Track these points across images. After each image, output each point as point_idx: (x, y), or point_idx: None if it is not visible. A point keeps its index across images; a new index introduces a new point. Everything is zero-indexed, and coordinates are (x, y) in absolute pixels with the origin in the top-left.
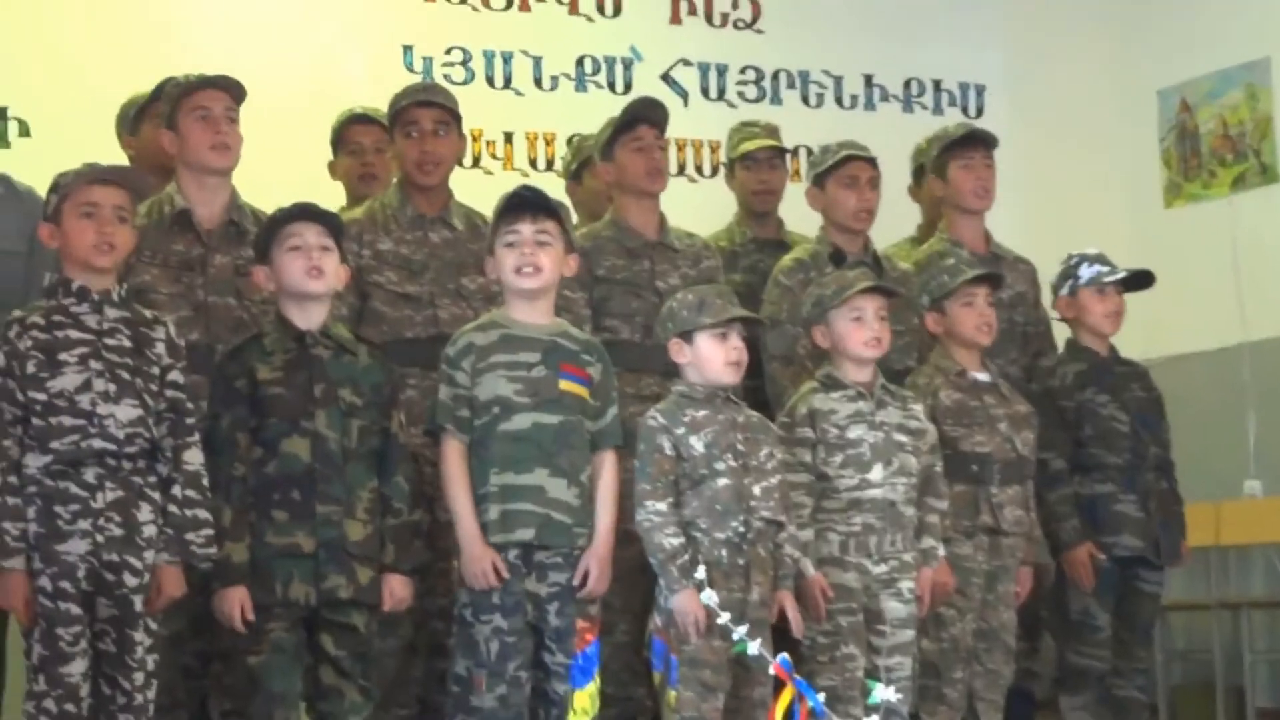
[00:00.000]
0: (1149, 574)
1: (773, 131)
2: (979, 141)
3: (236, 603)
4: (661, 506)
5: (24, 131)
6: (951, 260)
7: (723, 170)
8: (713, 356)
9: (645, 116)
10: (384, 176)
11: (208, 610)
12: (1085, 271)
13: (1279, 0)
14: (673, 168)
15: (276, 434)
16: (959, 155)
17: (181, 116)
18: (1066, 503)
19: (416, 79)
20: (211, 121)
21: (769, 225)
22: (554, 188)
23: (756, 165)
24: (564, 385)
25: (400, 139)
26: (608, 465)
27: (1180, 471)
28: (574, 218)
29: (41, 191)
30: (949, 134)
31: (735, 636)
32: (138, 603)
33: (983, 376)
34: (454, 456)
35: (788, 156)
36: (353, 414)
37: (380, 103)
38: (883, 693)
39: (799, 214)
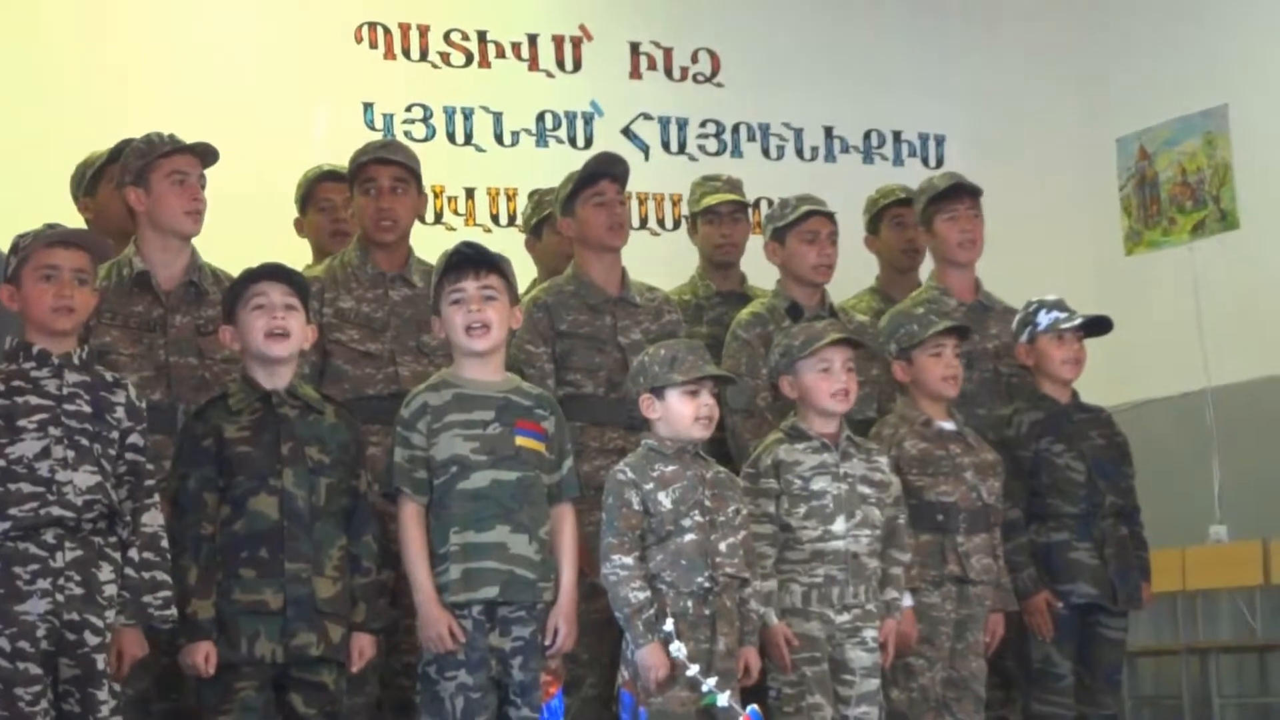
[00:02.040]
0: (1110, 620)
1: (734, 185)
2: (964, 192)
3: (203, 654)
4: (628, 560)
5: None
6: (922, 310)
7: (684, 223)
8: (683, 413)
9: (606, 172)
10: (355, 234)
11: (174, 670)
12: (1043, 318)
13: (1236, 47)
14: (634, 220)
15: (244, 492)
16: (944, 208)
17: (155, 177)
18: (1023, 552)
19: (377, 136)
20: (188, 187)
21: (732, 278)
22: (515, 243)
23: (719, 219)
24: (520, 441)
25: (359, 196)
26: (566, 518)
27: (1145, 517)
28: (535, 272)
29: None
30: (934, 186)
31: (704, 688)
32: (100, 661)
33: (948, 425)
34: (411, 519)
35: (749, 210)
36: (320, 472)
37: (341, 160)
38: None
39: (759, 267)
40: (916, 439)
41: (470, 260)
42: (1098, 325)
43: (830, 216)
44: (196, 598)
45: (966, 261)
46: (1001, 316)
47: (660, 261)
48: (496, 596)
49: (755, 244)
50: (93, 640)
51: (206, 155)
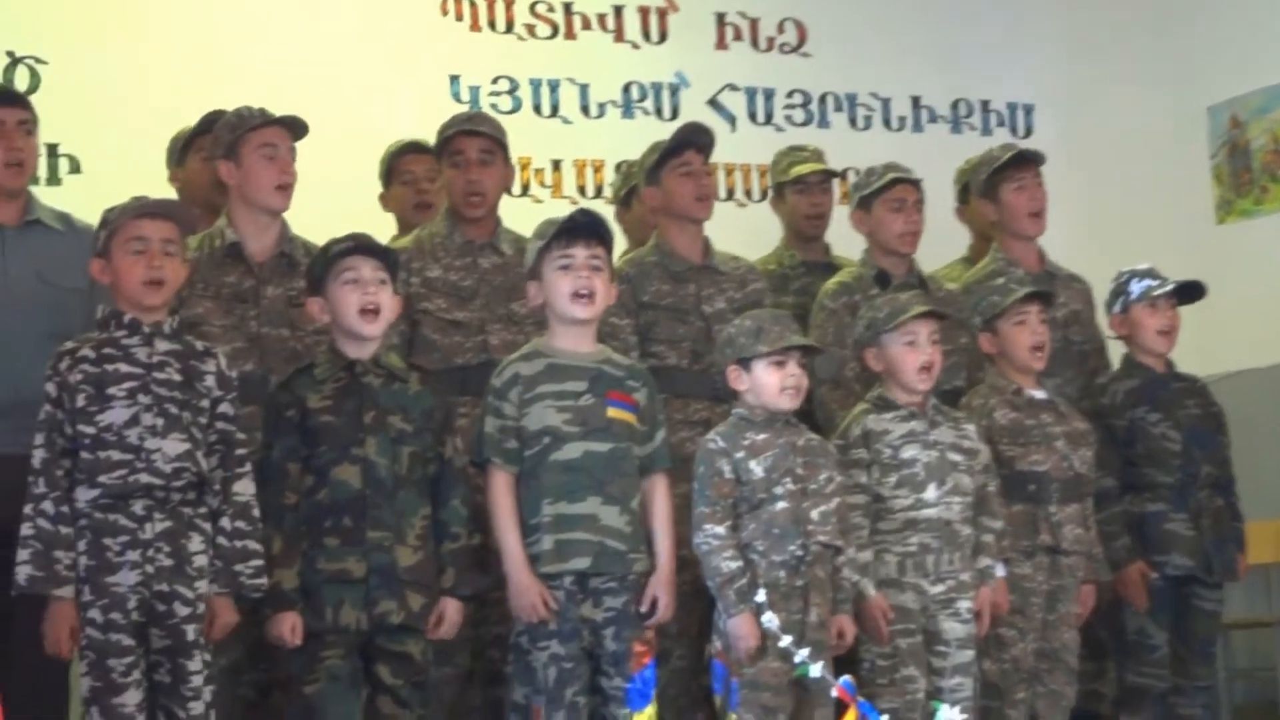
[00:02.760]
0: (1205, 592)
1: (820, 156)
2: (1028, 162)
3: (289, 625)
4: (720, 530)
5: (74, 168)
6: (1002, 279)
7: (770, 194)
8: (769, 384)
9: (692, 142)
10: (439, 205)
11: (264, 641)
12: (1135, 287)
13: None
14: (720, 192)
15: (327, 462)
16: (1009, 177)
17: (245, 150)
18: (1117, 522)
19: (463, 109)
20: (278, 161)
21: (817, 249)
22: (602, 214)
23: (808, 189)
24: (612, 413)
25: (447, 168)
26: (660, 489)
27: (1240, 489)
28: (624, 243)
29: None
30: (996, 157)
31: (797, 659)
32: (190, 632)
33: (1039, 394)
34: (502, 489)
35: (836, 180)
36: (403, 441)
37: (428, 134)
38: (948, 714)
39: (841, 237)
40: (1007, 408)
41: (583, 228)
42: (1190, 291)
43: (916, 184)
44: (281, 567)
45: (1036, 233)
46: (1068, 285)
47: (745, 233)
48: (588, 568)
49: (839, 215)
50: (183, 611)
51: (296, 128)
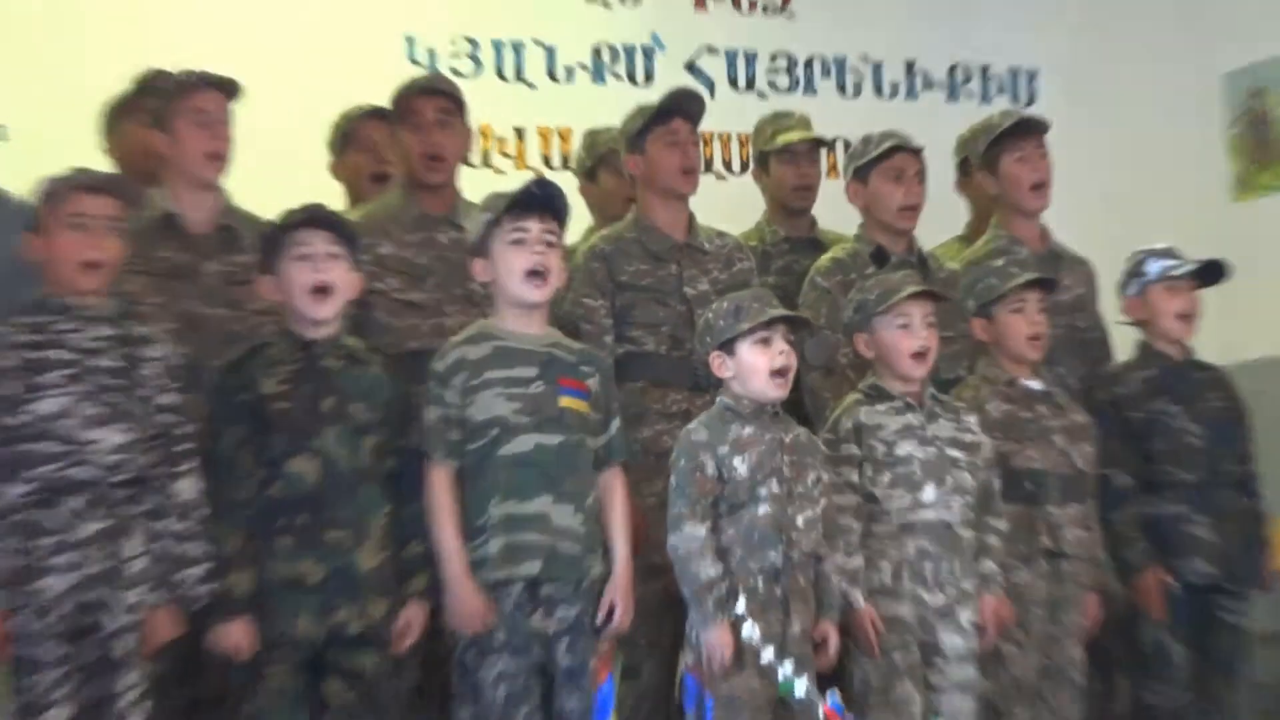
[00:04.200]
0: (1229, 602)
1: (806, 123)
2: (1031, 130)
3: (240, 637)
4: (700, 531)
5: (1, 136)
6: (1001, 262)
7: (751, 165)
8: (757, 365)
9: (681, 109)
10: (396, 178)
11: (198, 651)
12: (1153, 267)
13: None
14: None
15: (281, 453)
16: (1010, 147)
17: (175, 118)
18: (1132, 524)
19: (420, 72)
20: (208, 126)
21: (803, 223)
22: (568, 186)
23: (795, 158)
24: (564, 401)
25: (404, 133)
26: (616, 484)
27: (1263, 486)
28: (589, 219)
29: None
30: (996, 124)
31: (780, 676)
32: (122, 645)
33: (1035, 385)
34: (442, 485)
35: (823, 150)
36: (365, 431)
37: (381, 99)
38: None
39: (831, 211)
40: (1000, 400)
41: (537, 201)
42: (1212, 272)
43: (917, 153)
44: (236, 569)
45: (1039, 208)
46: (1073, 267)
47: (725, 208)
48: (539, 573)
49: (826, 190)
50: (117, 622)
51: (228, 89)
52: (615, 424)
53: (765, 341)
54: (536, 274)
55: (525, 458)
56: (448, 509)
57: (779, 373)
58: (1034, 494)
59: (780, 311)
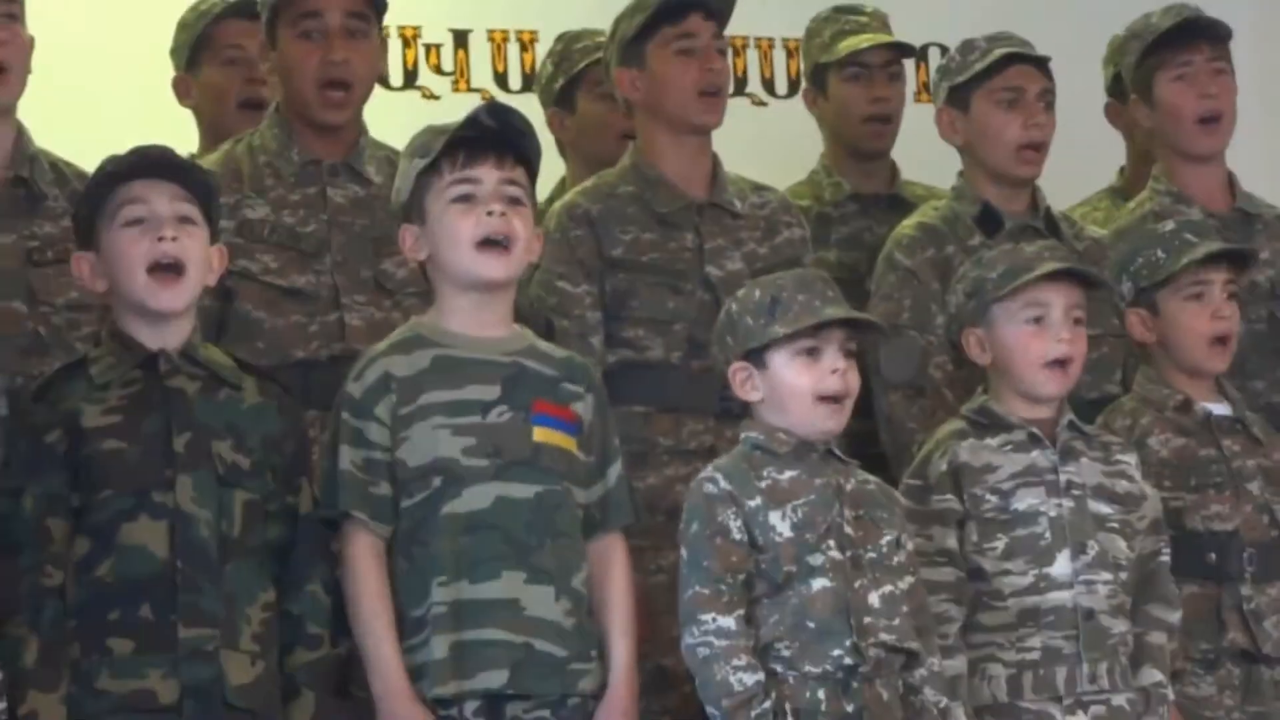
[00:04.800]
0: None
1: (883, 22)
2: (1200, 36)
3: None
4: (728, 623)
5: None
6: (1170, 226)
7: (803, 86)
8: (797, 387)
9: (698, 2)
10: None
11: None
12: None
13: None
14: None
15: (114, 515)
16: (1169, 62)
17: None
18: None
19: None
20: None
21: (879, 172)
22: (535, 117)
23: (866, 75)
24: (540, 434)
25: (290, 44)
26: (615, 558)
27: None
28: (562, 166)
29: None
30: (1152, 27)
31: None
32: None
33: (1219, 409)
34: (366, 559)
35: (909, 62)
36: (236, 482)
37: None
38: None
39: (919, 155)
40: (1169, 432)
41: (492, 138)
42: None
43: (1043, 65)
44: (37, 689)
45: (1211, 149)
46: (1275, 230)
47: (767, 146)
48: (504, 686)
49: (914, 117)
50: None
51: None
52: (615, 470)
53: (812, 353)
54: (494, 243)
55: (482, 518)
56: (374, 594)
57: (832, 398)
58: (1219, 567)
59: (839, 313)
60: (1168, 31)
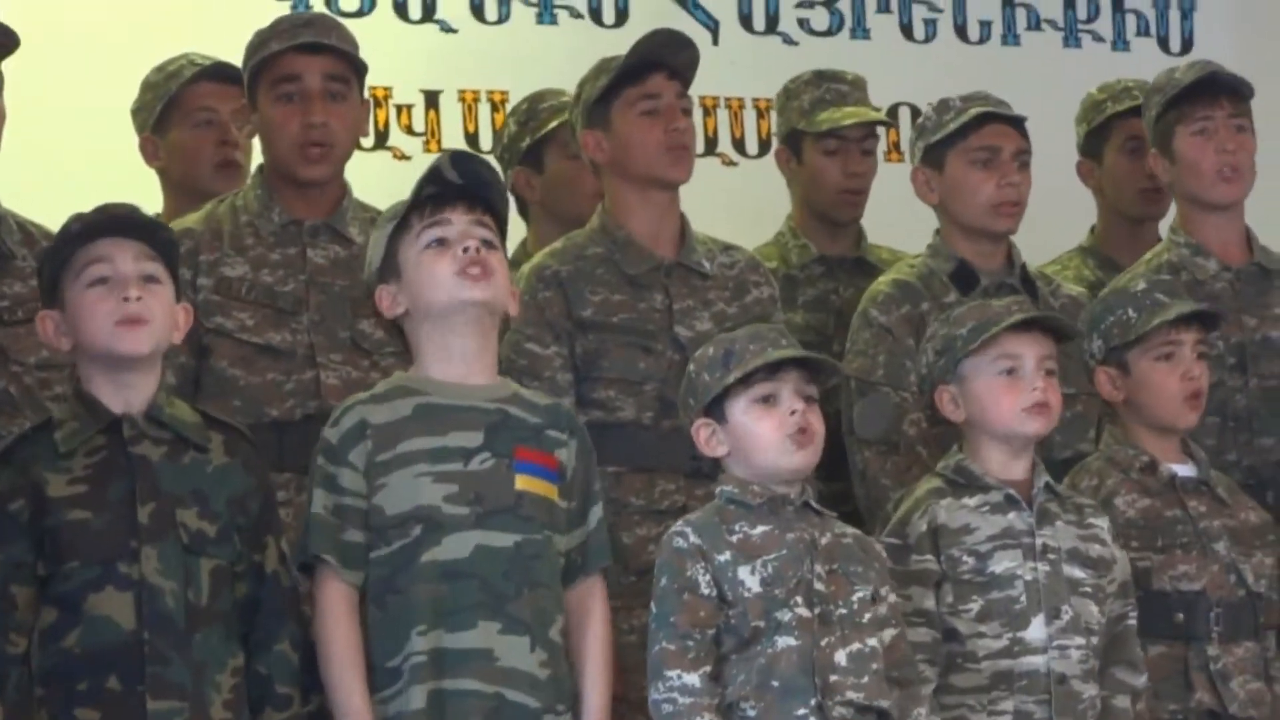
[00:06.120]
0: None
1: (862, 89)
2: (1222, 92)
3: None
4: (692, 680)
5: None
6: (1141, 287)
7: (776, 145)
8: (757, 434)
9: (662, 61)
10: (248, 165)
11: None
12: None
13: None
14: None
15: (80, 585)
16: (1191, 116)
17: None
18: None
19: (285, 8)
20: None
21: (845, 235)
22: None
23: (843, 148)
24: (521, 482)
25: (270, 106)
26: (595, 605)
27: None
28: (525, 226)
29: None
30: (1174, 82)
31: None
32: None
33: (1184, 470)
34: (338, 608)
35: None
36: (201, 550)
37: (229, 49)
38: None
39: (886, 215)
40: (1135, 493)
41: (455, 186)
42: None
43: (1018, 125)
44: None
45: (1229, 200)
46: None
47: (737, 206)
48: None
49: (882, 176)
50: None
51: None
52: (595, 514)
53: (768, 400)
54: (470, 274)
55: (461, 566)
56: (346, 643)
57: (794, 439)
58: (1187, 627)
59: (789, 352)
60: (1190, 86)
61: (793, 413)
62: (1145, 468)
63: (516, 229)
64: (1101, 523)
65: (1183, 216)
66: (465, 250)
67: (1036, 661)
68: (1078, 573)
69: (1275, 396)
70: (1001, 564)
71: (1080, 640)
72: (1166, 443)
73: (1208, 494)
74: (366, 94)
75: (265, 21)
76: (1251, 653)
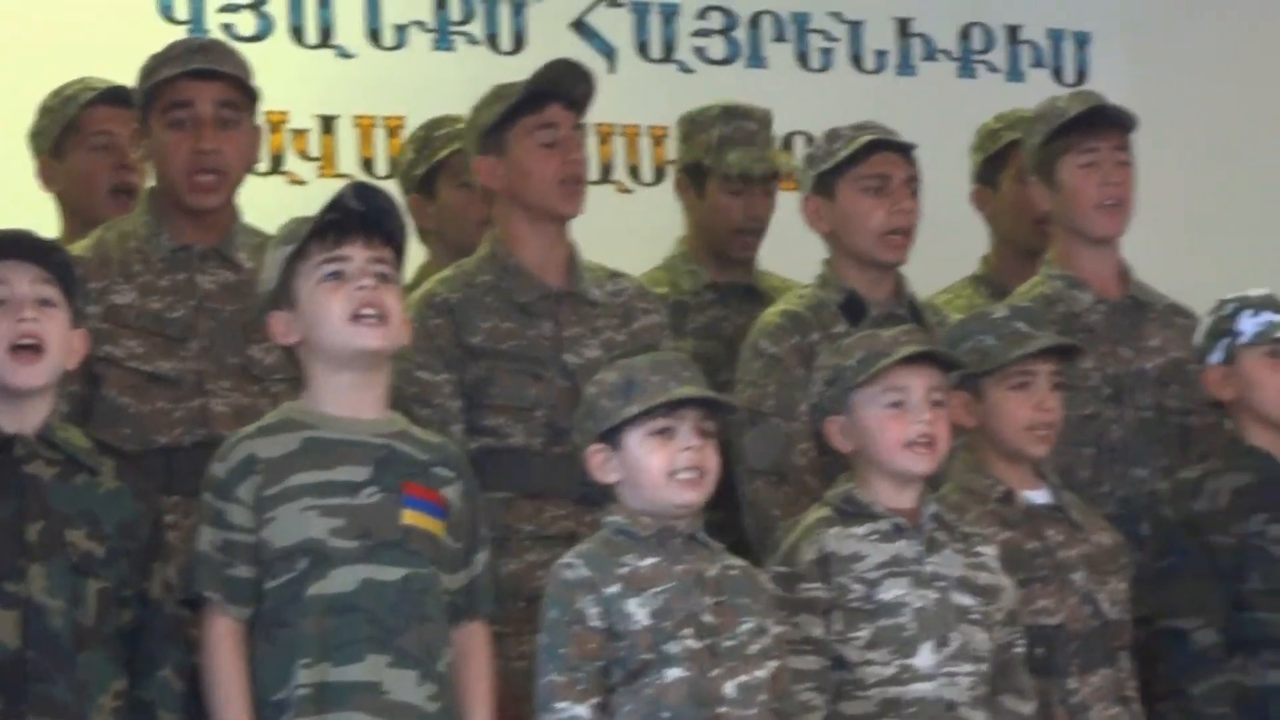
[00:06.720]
0: None
1: (768, 127)
2: (1108, 123)
3: None
4: (580, 712)
5: None
6: (1001, 314)
7: (677, 174)
8: (650, 467)
9: (559, 90)
10: (141, 190)
11: None
12: (1247, 324)
13: None
14: (590, 169)
15: None
16: (1077, 146)
17: None
18: (1221, 699)
19: (180, 32)
20: None
21: (736, 264)
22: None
23: (747, 190)
24: (409, 517)
25: (160, 132)
26: (478, 646)
27: None
28: (423, 252)
29: None
30: (1059, 111)
31: None
32: None
33: (1038, 496)
34: (224, 643)
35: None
36: (89, 570)
37: (121, 73)
38: None
39: (777, 240)
40: (995, 525)
41: (357, 219)
42: None
43: (906, 152)
44: None
45: (1109, 233)
46: (1166, 319)
47: (632, 233)
48: None
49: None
50: None
51: None
52: (481, 558)
53: (665, 433)
54: (365, 317)
55: (347, 600)
56: (231, 677)
57: (686, 476)
58: (1047, 662)
59: (690, 391)
60: (1076, 118)
61: (687, 449)
62: (1002, 498)
63: (419, 254)
64: (988, 550)
65: (1060, 248)
66: (361, 288)
67: (925, 689)
68: (966, 600)
69: (1149, 428)
70: (890, 592)
71: (969, 668)
72: (1019, 468)
73: (1063, 520)
74: (262, 119)
75: (160, 46)
76: (1107, 679)
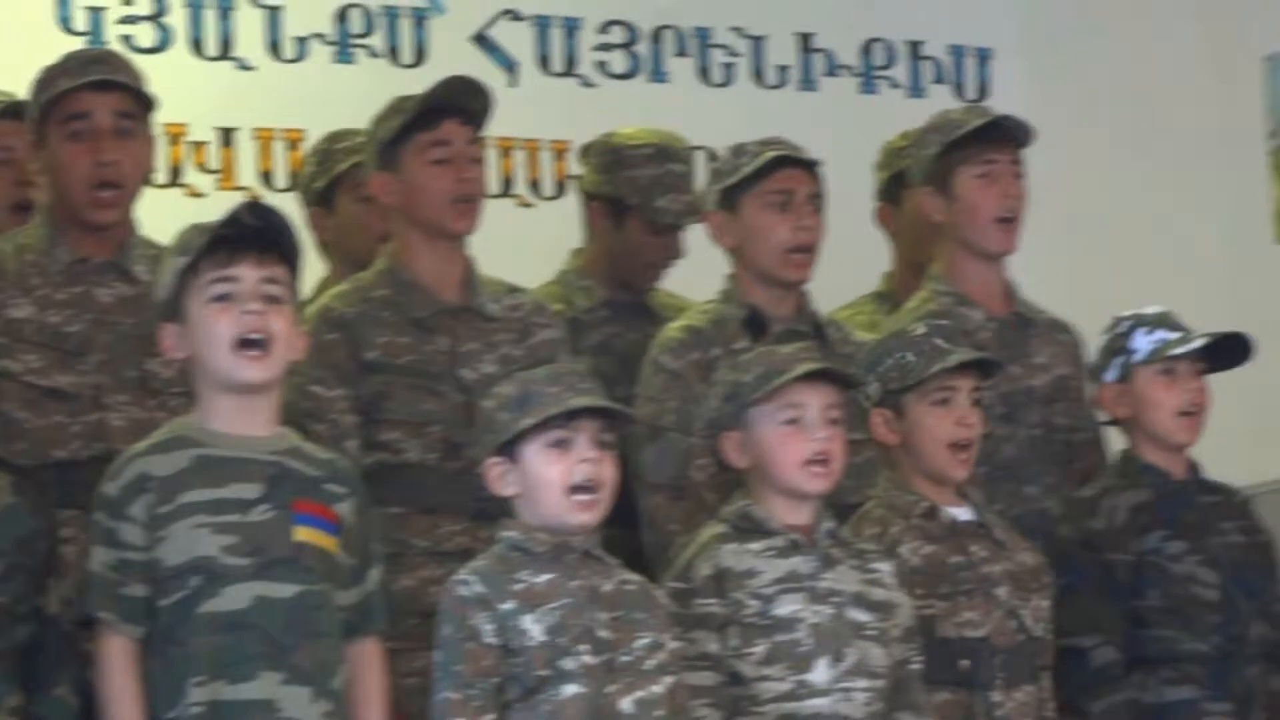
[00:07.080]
0: None
1: (692, 167)
2: (1003, 136)
3: None
4: None
5: None
6: (920, 331)
7: (592, 200)
8: (547, 479)
9: (455, 106)
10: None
11: None
12: (1142, 342)
13: None
14: (490, 183)
15: None
16: (974, 158)
17: None
18: (1122, 715)
19: (79, 43)
20: None
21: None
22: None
23: (666, 230)
24: (301, 534)
25: (58, 144)
26: (371, 664)
27: None
28: (322, 266)
29: None
30: (955, 122)
31: None
32: None
33: (962, 513)
34: (117, 662)
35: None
36: None
37: (19, 83)
38: None
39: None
40: (919, 539)
41: (251, 236)
42: (1229, 351)
43: (810, 168)
44: None
45: (1004, 249)
46: (1048, 336)
47: (532, 248)
48: None
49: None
50: None
51: None
52: (374, 574)
53: (562, 444)
54: (252, 343)
55: (240, 618)
56: (126, 697)
57: (583, 488)
58: (971, 675)
59: (585, 401)
60: (974, 130)
61: (584, 460)
62: (926, 513)
63: (318, 268)
64: (884, 567)
65: (948, 262)
66: (247, 312)
67: (821, 704)
68: (861, 616)
69: (1040, 445)
70: (786, 607)
71: (864, 683)
72: (942, 486)
73: (986, 537)
74: (161, 131)
75: (54, 57)
76: (1030, 696)
